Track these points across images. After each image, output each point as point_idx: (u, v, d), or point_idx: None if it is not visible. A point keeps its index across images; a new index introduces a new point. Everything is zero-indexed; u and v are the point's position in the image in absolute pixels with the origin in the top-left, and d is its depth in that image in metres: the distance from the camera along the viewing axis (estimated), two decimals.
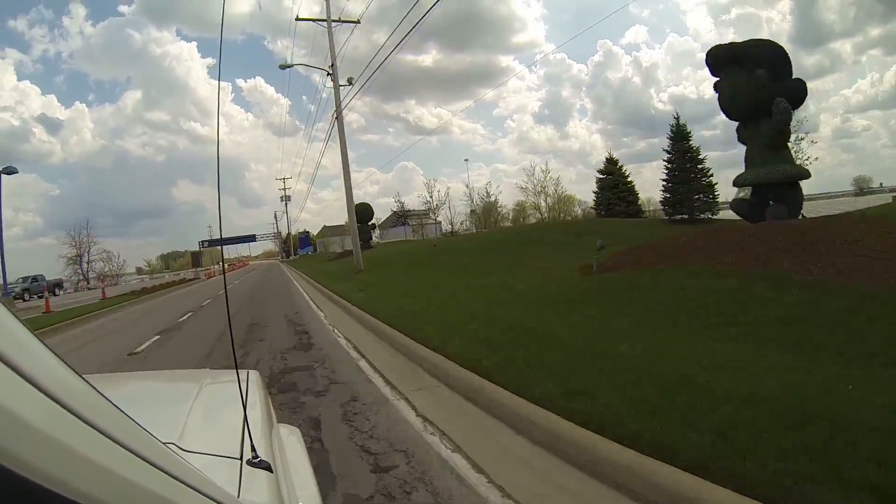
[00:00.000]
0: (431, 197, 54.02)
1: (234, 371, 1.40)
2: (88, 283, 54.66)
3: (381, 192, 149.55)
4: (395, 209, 57.60)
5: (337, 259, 37.14)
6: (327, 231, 73.92)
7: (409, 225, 65.82)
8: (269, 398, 1.74)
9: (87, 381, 0.50)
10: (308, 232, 77.05)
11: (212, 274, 46.07)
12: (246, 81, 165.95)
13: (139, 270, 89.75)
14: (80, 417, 0.43)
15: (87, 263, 57.94)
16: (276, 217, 79.53)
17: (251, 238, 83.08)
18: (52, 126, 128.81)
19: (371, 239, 39.18)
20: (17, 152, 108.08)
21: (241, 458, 1.07)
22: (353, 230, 20.86)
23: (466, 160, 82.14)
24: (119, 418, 0.53)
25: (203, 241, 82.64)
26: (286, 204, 70.14)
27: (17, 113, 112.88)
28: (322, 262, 37.37)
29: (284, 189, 69.88)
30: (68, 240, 56.12)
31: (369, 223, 40.41)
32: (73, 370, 0.49)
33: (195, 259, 57.39)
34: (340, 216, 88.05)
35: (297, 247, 78.83)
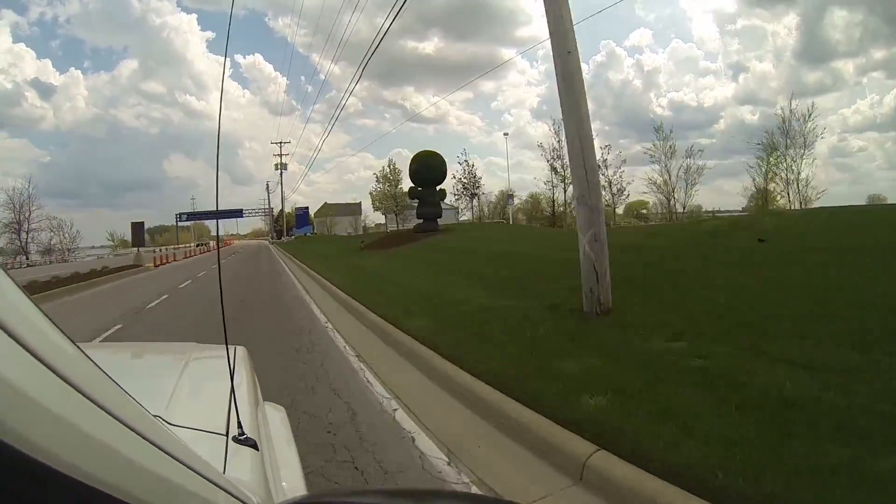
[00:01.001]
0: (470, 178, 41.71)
1: (222, 346, 1.38)
2: (28, 258, 43.47)
3: (373, 177, 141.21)
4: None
5: (379, 249, 19.95)
6: (330, 209, 63.59)
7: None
8: (255, 375, 1.74)
9: (79, 348, 0.49)
10: (307, 209, 66.59)
11: (163, 260, 30.15)
12: (245, 58, 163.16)
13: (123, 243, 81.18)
14: (68, 382, 0.43)
15: (28, 233, 46.45)
16: (267, 189, 68.40)
17: (237, 213, 72.15)
18: (45, 91, 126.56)
19: (439, 216, 23.64)
20: (8, 116, 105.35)
21: (227, 435, 1.08)
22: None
23: (506, 134, 69.90)
24: (109, 387, 0.52)
25: (181, 214, 71.65)
26: (281, 173, 59.38)
27: (10, 76, 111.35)
28: (348, 253, 22.01)
29: (280, 155, 58.91)
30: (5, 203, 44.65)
31: (438, 188, 24.46)
32: (66, 335, 0.48)
33: (136, 234, 35.50)
34: (340, 196, 77.31)
35: (291, 226, 68.18)
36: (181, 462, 0.60)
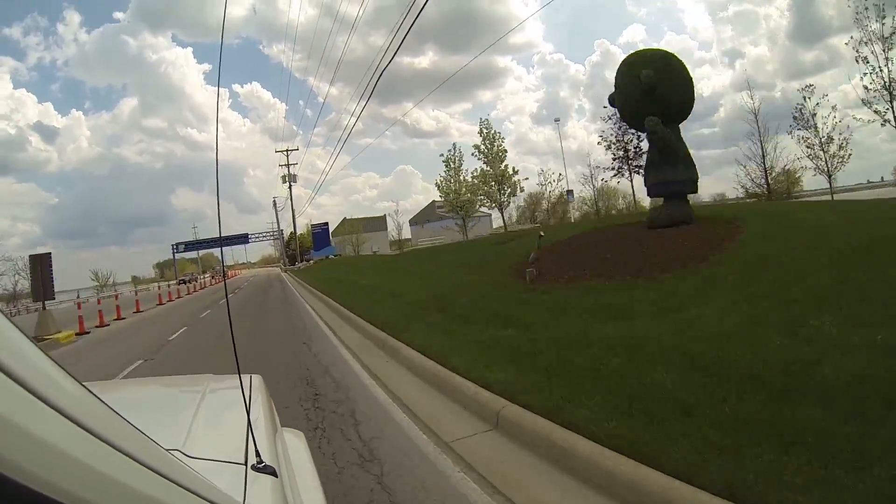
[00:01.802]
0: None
1: (237, 376, 1.43)
2: None
3: (379, 196, 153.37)
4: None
5: (604, 279, 7.56)
6: (352, 225, 53.93)
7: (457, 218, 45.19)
8: (272, 402, 1.78)
9: (87, 389, 0.50)
10: (326, 225, 55.54)
11: (135, 309, 20.08)
12: (242, 87, 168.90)
13: (135, 280, 75.90)
14: (80, 425, 0.44)
15: None
16: (275, 206, 58.95)
17: (242, 239, 63.00)
18: (48, 134, 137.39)
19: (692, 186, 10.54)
20: (15, 161, 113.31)
21: (245, 464, 1.08)
22: None
23: (557, 120, 60.04)
24: (120, 425, 0.53)
25: (178, 245, 62.60)
26: (290, 186, 49.95)
27: (13, 121, 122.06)
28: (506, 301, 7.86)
29: (288, 165, 49.48)
30: None
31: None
32: (74, 377, 0.49)
33: (39, 276, 13.84)
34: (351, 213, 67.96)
35: (305, 248, 58.84)
36: (198, 495, 0.62)
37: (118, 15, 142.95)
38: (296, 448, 1.60)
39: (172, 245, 63.17)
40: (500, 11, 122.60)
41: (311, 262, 46.77)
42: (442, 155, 30.06)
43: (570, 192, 44.68)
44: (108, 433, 0.47)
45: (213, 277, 52.49)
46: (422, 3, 9.87)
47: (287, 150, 50.14)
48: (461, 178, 27.86)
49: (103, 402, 0.52)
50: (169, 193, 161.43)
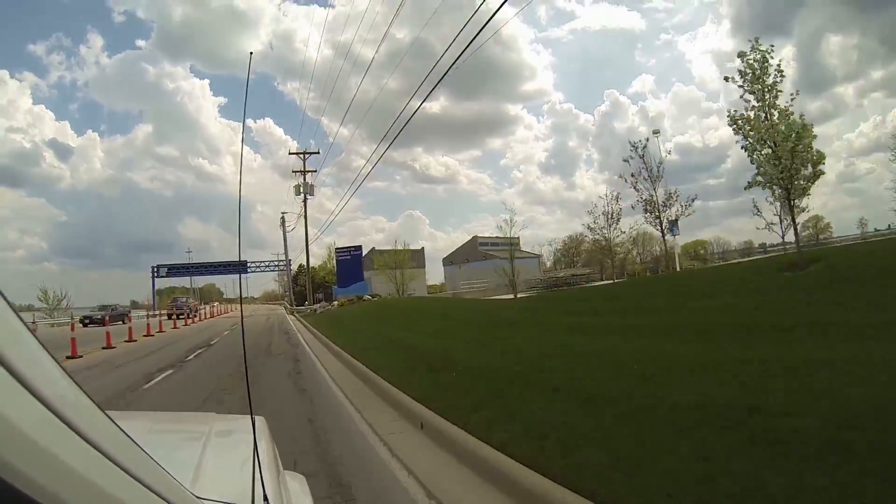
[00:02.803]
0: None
1: (240, 416, 1.59)
2: None
3: (386, 240, 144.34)
4: None
5: None
6: (384, 258, 40.74)
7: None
8: (275, 445, 1.78)
9: (111, 418, 0.51)
10: (359, 250, 39.16)
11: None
12: (255, 122, 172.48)
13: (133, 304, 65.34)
14: (108, 457, 0.45)
15: None
16: (283, 224, 46.03)
17: (241, 267, 50.39)
18: (62, 152, 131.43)
19: None
20: (28, 175, 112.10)
21: None
22: None
23: (657, 132, 48.40)
24: (139, 456, 0.54)
25: (158, 267, 50.06)
26: (305, 199, 37.31)
27: (30, 136, 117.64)
28: None
29: (304, 172, 37.19)
30: None
31: None
32: (101, 408, 0.50)
33: None
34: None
35: (318, 282, 46.06)
36: None
37: (140, 42, 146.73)
38: (297, 492, 1.62)
39: (153, 267, 50.94)
40: (513, 59, 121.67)
41: (336, 303, 32.91)
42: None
43: (674, 223, 30.88)
44: (127, 462, 0.48)
45: (213, 309, 44.96)
46: (441, 57, 10.44)
47: (305, 153, 38.11)
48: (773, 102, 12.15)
49: (124, 431, 0.52)
50: (177, 222, 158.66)
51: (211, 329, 24.23)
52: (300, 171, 37.39)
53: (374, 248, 48.62)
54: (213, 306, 67.58)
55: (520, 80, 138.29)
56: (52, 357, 0.45)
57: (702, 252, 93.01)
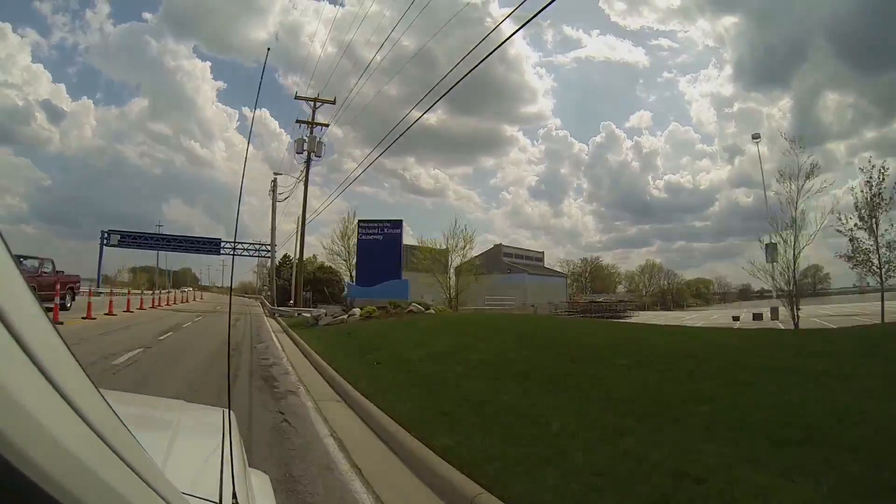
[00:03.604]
0: None
1: (209, 408, 1.58)
2: None
3: None
4: None
5: None
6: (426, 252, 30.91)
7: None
8: (241, 441, 1.70)
9: (97, 388, 0.51)
10: (399, 225, 25.13)
11: None
12: (251, 112, 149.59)
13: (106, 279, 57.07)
14: (87, 422, 0.45)
15: None
16: (274, 188, 34.72)
17: (212, 246, 40.23)
18: (55, 114, 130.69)
19: None
20: (16, 133, 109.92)
21: (220, 502, 1.05)
22: None
23: (756, 137, 40.23)
24: (121, 430, 0.54)
25: (108, 233, 39.62)
26: (308, 161, 27.13)
27: (24, 93, 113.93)
28: None
29: (312, 125, 27.35)
30: None
31: None
32: (93, 382, 0.50)
33: None
34: None
35: (317, 278, 35.89)
36: None
37: (147, 15, 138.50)
38: (261, 489, 1.54)
39: (102, 232, 40.35)
40: (515, 80, 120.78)
41: (358, 312, 18.44)
42: None
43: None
44: (110, 435, 0.47)
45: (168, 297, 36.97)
46: (447, 74, 11.31)
47: (316, 101, 28.22)
48: None
49: (109, 404, 0.51)
50: (162, 202, 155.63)
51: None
52: (307, 122, 27.54)
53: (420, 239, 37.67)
54: (183, 291, 56.90)
55: (519, 102, 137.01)
56: (51, 322, 0.43)
57: (704, 291, 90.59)
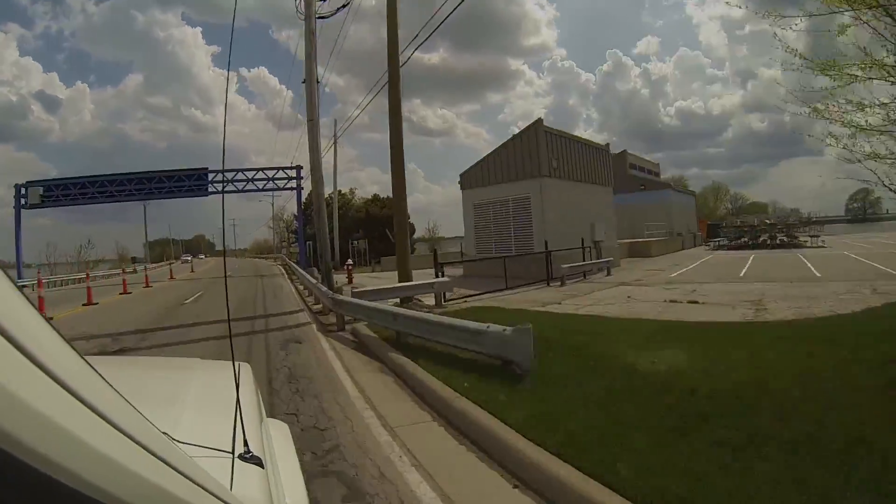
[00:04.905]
0: None
1: (225, 363, 1.51)
2: None
3: (381, 191, 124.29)
4: None
5: None
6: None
7: None
8: (259, 392, 1.76)
9: (90, 365, 0.50)
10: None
11: None
12: (249, 71, 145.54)
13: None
14: (81, 400, 0.44)
15: None
16: (310, 64, 19.59)
17: (195, 183, 23.85)
18: (50, 104, 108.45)
19: None
20: (15, 129, 79.34)
21: (233, 453, 1.08)
22: None
23: None
24: (117, 401, 0.53)
25: (24, 186, 23.46)
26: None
27: (16, 88, 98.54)
28: None
29: None
30: None
31: None
32: (77, 352, 0.49)
33: None
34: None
35: (374, 217, 21.07)
36: (190, 479, 0.61)
37: None
38: (279, 439, 1.57)
39: (16, 187, 24.77)
40: (515, 12, 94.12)
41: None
42: None
43: None
44: (103, 406, 0.46)
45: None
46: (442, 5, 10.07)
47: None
48: None
49: (102, 376, 0.51)
50: None
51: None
52: None
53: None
54: (184, 261, 51.58)
55: (522, 34, 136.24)
56: (27, 298, 0.43)
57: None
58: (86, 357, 0.50)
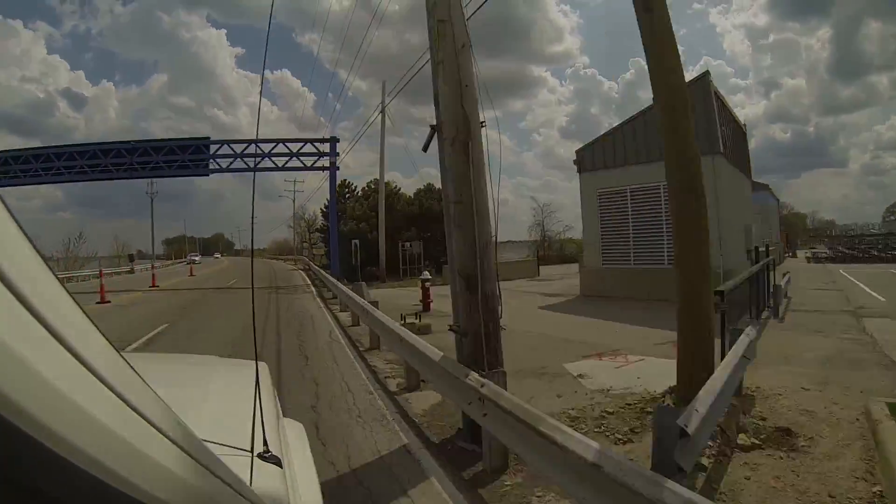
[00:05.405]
0: None
1: (242, 361, 1.58)
2: None
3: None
4: None
5: None
6: None
7: None
8: (276, 391, 1.80)
9: (120, 353, 0.50)
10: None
11: None
12: (272, 73, 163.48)
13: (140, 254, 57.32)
14: (108, 386, 0.44)
15: None
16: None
17: (202, 150, 16.89)
18: (76, 101, 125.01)
19: None
20: (43, 125, 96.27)
21: (251, 452, 1.08)
22: None
23: None
24: (147, 394, 0.53)
25: None
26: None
27: (44, 85, 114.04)
28: None
29: None
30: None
31: None
32: (110, 342, 0.48)
33: None
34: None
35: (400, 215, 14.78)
36: (220, 478, 0.61)
37: None
38: (295, 438, 1.59)
39: None
40: (538, 19, 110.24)
41: None
42: None
43: None
44: (135, 399, 0.46)
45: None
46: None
47: None
48: None
49: (132, 367, 0.51)
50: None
51: None
52: None
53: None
54: (190, 262, 46.88)
55: (545, 42, 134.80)
56: (61, 282, 0.42)
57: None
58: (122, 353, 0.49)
